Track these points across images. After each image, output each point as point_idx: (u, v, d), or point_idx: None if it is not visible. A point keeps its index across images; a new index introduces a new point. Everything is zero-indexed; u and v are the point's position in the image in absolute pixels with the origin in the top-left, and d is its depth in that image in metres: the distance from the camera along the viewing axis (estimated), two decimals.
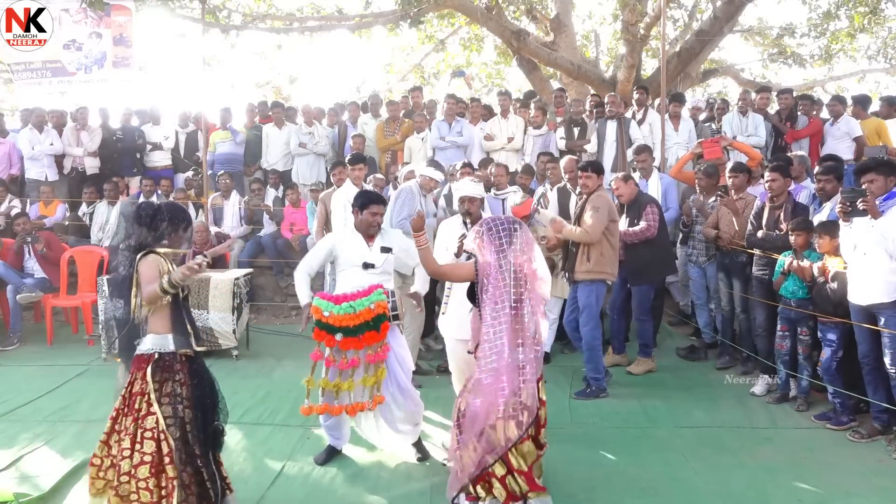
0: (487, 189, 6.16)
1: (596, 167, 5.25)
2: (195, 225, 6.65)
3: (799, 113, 7.84)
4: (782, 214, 5.08)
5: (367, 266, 3.97)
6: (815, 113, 7.96)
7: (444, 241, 4.53)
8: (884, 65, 13.90)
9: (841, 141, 7.41)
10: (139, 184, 8.30)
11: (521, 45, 10.58)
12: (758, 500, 3.64)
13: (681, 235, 6.23)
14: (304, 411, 3.76)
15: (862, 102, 8.00)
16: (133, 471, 2.97)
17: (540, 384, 3.55)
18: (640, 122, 7.92)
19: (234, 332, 6.13)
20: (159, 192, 8.11)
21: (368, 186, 6.32)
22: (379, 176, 6.93)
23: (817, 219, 4.91)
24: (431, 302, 5.75)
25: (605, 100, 8.13)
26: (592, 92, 10.18)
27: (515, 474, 3.34)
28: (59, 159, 8.59)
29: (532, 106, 8.35)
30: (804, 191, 5.71)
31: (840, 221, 4.39)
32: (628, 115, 8.03)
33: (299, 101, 12.39)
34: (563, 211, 6.13)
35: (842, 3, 11.74)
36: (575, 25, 12.71)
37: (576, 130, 7.94)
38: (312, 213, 7.38)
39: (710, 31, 10.35)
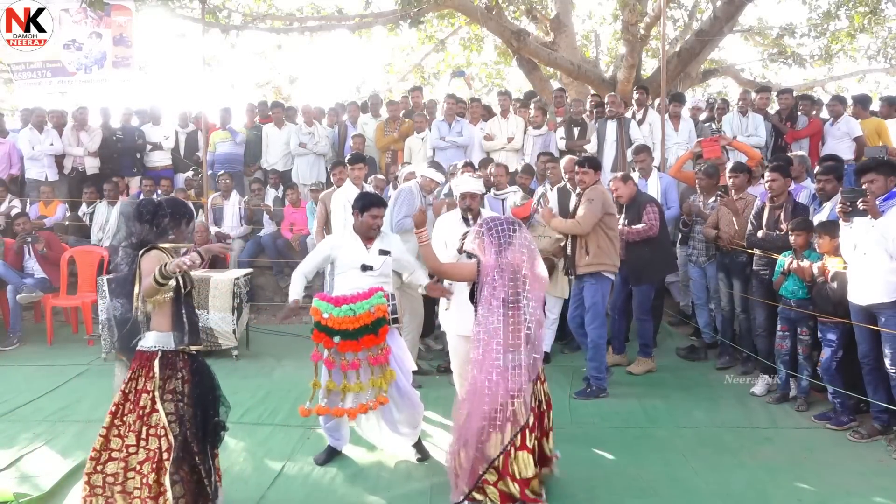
0: (487, 189, 6.16)
1: (593, 163, 5.25)
2: (195, 224, 6.66)
3: (799, 113, 7.84)
4: (782, 214, 5.08)
5: (365, 268, 3.97)
6: (815, 113, 7.95)
7: (441, 236, 4.53)
8: (884, 65, 13.90)
9: (841, 141, 7.40)
10: (139, 184, 8.30)
11: (521, 45, 10.58)
12: (758, 500, 3.64)
13: (680, 236, 6.23)
14: (303, 412, 3.77)
15: (862, 102, 7.99)
16: (139, 467, 3.02)
17: (544, 386, 3.55)
18: (640, 122, 7.92)
19: (234, 332, 6.14)
20: (159, 192, 8.10)
21: (369, 186, 6.33)
22: (380, 176, 6.93)
23: (817, 219, 4.91)
24: (431, 301, 5.74)
25: (605, 100, 8.13)
26: (592, 92, 10.18)
27: (508, 479, 3.34)
28: (59, 159, 8.59)
29: (532, 106, 8.34)
30: (804, 191, 5.71)
31: (840, 221, 4.39)
32: (628, 115, 8.02)
33: (299, 101, 12.40)
34: (564, 211, 6.12)
35: (842, 3, 11.74)
36: (575, 25, 12.71)
37: (576, 130, 7.94)
38: (312, 213, 7.38)
39: (710, 31, 10.35)
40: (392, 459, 4.14)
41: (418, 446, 4.14)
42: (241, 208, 8.21)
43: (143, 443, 3.04)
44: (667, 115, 7.72)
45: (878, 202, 4.12)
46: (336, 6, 11.43)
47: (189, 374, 3.15)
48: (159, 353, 3.10)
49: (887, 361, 4.13)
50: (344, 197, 5.87)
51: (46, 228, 7.62)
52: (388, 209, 5.22)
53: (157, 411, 3.05)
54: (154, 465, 3.01)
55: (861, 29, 11.87)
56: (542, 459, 3.53)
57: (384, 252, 4.06)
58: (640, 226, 5.50)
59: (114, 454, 3.08)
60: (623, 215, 5.63)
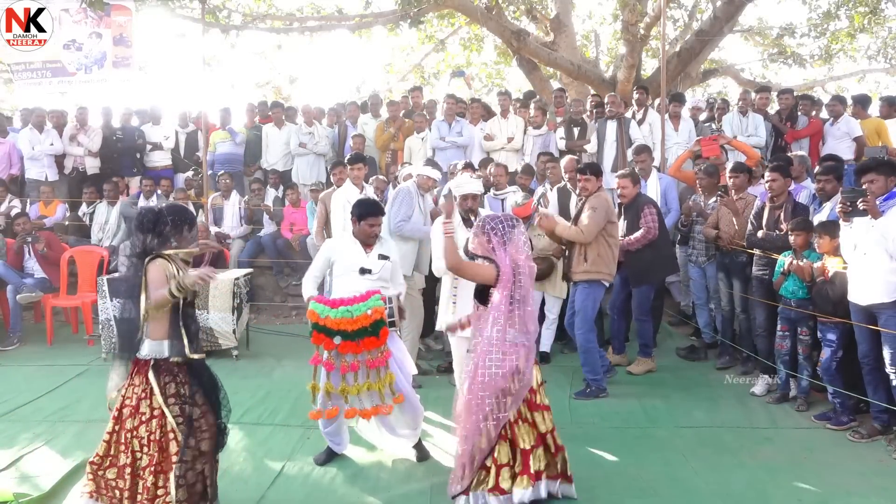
0: (487, 189, 6.17)
1: (594, 169, 5.25)
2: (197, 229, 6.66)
3: (799, 113, 7.84)
4: (782, 214, 5.08)
5: (363, 271, 3.97)
6: (815, 113, 7.96)
7: (442, 237, 4.53)
8: (884, 65, 13.90)
9: (841, 141, 7.40)
10: (139, 184, 8.29)
11: (521, 45, 10.58)
12: (758, 500, 3.64)
13: (679, 236, 6.23)
14: (314, 415, 3.81)
15: (862, 102, 8.00)
16: (142, 472, 3.05)
17: (541, 388, 3.56)
18: (640, 122, 7.92)
19: (234, 332, 6.13)
20: (159, 192, 8.11)
21: (369, 187, 6.32)
22: (381, 177, 6.93)
23: (817, 219, 4.91)
24: (431, 302, 5.75)
25: (605, 100, 8.13)
26: (592, 92, 10.18)
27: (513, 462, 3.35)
28: (59, 159, 8.60)
29: (532, 106, 8.35)
30: (804, 191, 5.71)
31: (840, 221, 4.39)
32: (628, 115, 8.02)
33: (299, 101, 12.40)
34: (564, 211, 6.13)
35: (842, 3, 11.74)
36: (575, 25, 12.71)
37: (576, 130, 7.94)
38: (312, 213, 7.38)
39: (710, 31, 10.35)
40: (392, 459, 4.14)
41: (418, 446, 4.14)
42: (241, 208, 8.21)
43: (145, 448, 3.07)
44: (667, 115, 7.72)
45: (878, 202, 4.12)
46: (336, 6, 11.44)
47: (187, 377, 3.16)
48: (152, 362, 3.12)
49: (887, 361, 4.13)
50: (344, 197, 5.87)
51: (46, 228, 7.62)
52: (386, 209, 5.22)
53: (156, 417, 3.07)
54: (153, 470, 3.03)
55: (861, 29, 11.87)
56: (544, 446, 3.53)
57: (384, 257, 4.06)
58: (638, 233, 5.48)
59: (116, 459, 3.09)
60: (622, 217, 5.63)
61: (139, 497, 3.04)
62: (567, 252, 5.34)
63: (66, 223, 8.10)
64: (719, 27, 10.36)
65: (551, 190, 6.51)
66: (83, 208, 8.19)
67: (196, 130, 8.97)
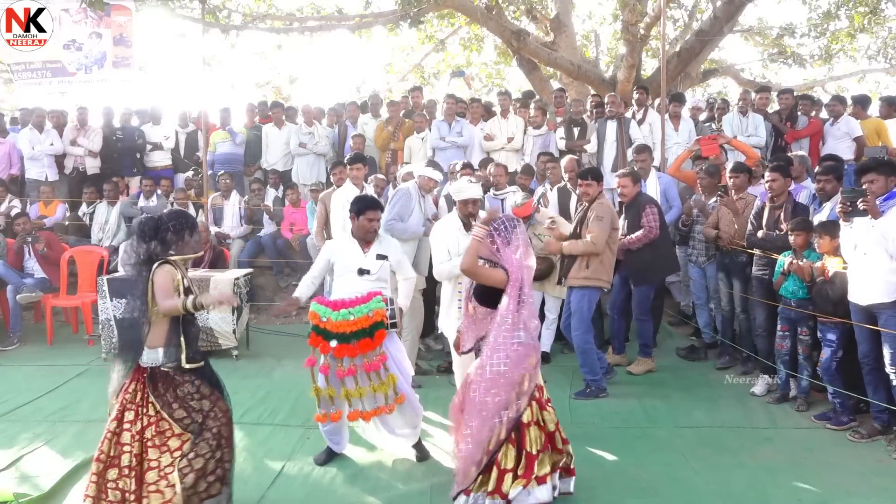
0: (487, 189, 6.17)
1: (595, 174, 5.25)
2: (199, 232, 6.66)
3: (799, 113, 7.84)
4: (782, 214, 5.08)
5: (362, 272, 3.97)
6: (814, 113, 7.96)
7: (443, 242, 4.53)
8: (884, 65, 13.89)
9: (841, 141, 7.40)
10: (139, 184, 8.30)
11: (521, 45, 10.58)
12: (758, 500, 3.64)
13: (678, 236, 6.22)
14: (319, 419, 3.84)
15: (862, 102, 8.00)
16: (145, 472, 3.08)
17: (542, 390, 3.56)
18: (640, 122, 7.92)
19: (234, 332, 6.13)
20: (159, 192, 8.12)
21: (369, 186, 6.32)
22: (380, 176, 6.93)
23: (817, 219, 4.90)
24: (431, 302, 5.75)
25: (605, 100, 8.12)
26: (592, 92, 10.18)
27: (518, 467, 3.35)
28: (59, 159, 8.60)
29: (532, 106, 8.35)
30: (804, 191, 5.71)
31: (840, 221, 4.39)
32: (628, 115, 8.02)
33: (299, 101, 12.40)
34: (564, 211, 6.13)
35: (842, 3, 11.73)
36: (575, 25, 12.71)
37: (576, 130, 7.93)
38: (312, 213, 7.38)
39: (710, 31, 10.35)
40: (392, 459, 4.14)
41: (418, 446, 4.14)
42: (241, 208, 8.21)
43: (145, 454, 3.10)
44: (667, 115, 7.72)
45: (878, 202, 4.12)
46: (336, 6, 11.44)
47: (188, 376, 3.19)
48: (148, 372, 3.15)
49: (887, 361, 4.13)
50: (344, 197, 5.87)
51: (46, 228, 7.62)
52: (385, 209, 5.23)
53: (153, 424, 3.11)
54: (162, 473, 3.07)
55: (861, 29, 11.87)
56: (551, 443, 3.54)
57: (381, 257, 4.07)
58: (638, 233, 5.48)
59: (118, 460, 3.11)
60: (622, 216, 5.63)
61: (144, 494, 3.06)
62: (568, 258, 5.30)
63: (66, 223, 8.10)
64: (719, 27, 10.35)
65: (551, 190, 6.50)
66: (83, 208, 8.19)
67: (196, 130, 8.97)
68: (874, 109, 8.28)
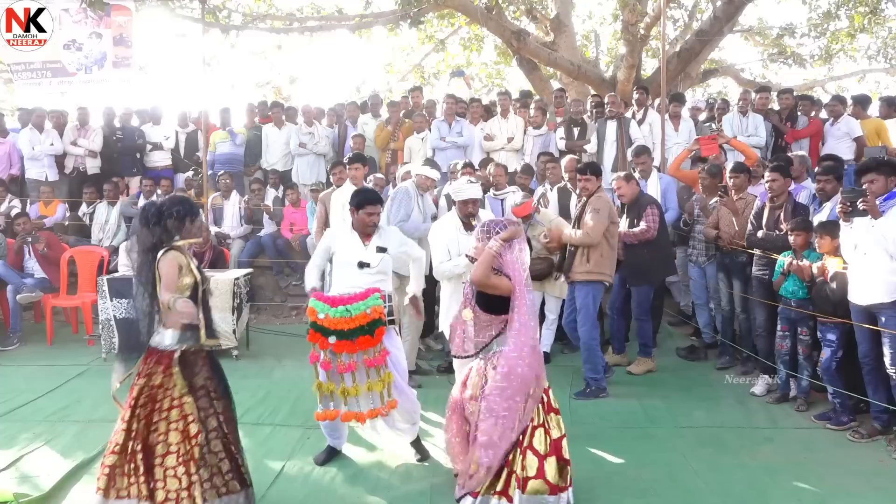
0: (487, 189, 6.17)
1: (594, 169, 5.25)
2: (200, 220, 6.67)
3: (799, 113, 7.84)
4: (782, 214, 5.08)
5: (362, 265, 3.96)
6: (814, 113, 7.96)
7: (443, 241, 4.53)
8: (884, 65, 13.90)
9: (841, 141, 7.41)
10: (139, 184, 8.31)
11: (521, 45, 10.58)
12: (758, 500, 3.64)
13: (678, 237, 6.22)
14: (319, 416, 3.82)
15: (862, 102, 8.00)
16: (161, 460, 3.09)
17: (549, 392, 3.55)
18: (640, 122, 7.92)
19: (234, 332, 6.13)
20: (159, 192, 8.11)
21: (369, 186, 6.32)
22: (379, 176, 6.93)
23: (817, 219, 4.91)
24: (431, 302, 5.75)
25: (605, 100, 8.13)
26: (592, 92, 10.19)
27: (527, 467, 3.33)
28: (59, 159, 8.60)
29: (532, 106, 8.35)
30: (804, 191, 5.71)
31: (840, 221, 4.39)
32: (628, 115, 8.02)
33: (299, 101, 12.40)
34: (564, 211, 6.14)
35: (842, 3, 11.74)
36: (575, 25, 12.72)
37: (576, 130, 7.94)
38: (312, 213, 7.38)
39: (710, 31, 10.35)
40: (392, 459, 4.14)
41: (417, 446, 4.13)
42: (241, 208, 8.21)
43: (162, 437, 3.11)
44: (667, 115, 7.72)
45: (878, 202, 4.12)
46: (336, 6, 11.45)
47: (211, 371, 3.24)
48: (179, 352, 3.16)
49: (887, 361, 4.13)
50: (343, 197, 5.86)
51: (46, 228, 7.62)
52: (385, 209, 5.22)
53: (176, 407, 3.12)
54: (180, 459, 3.08)
55: (861, 29, 11.87)
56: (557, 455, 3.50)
57: (382, 249, 4.04)
58: (637, 228, 5.49)
59: (132, 450, 3.11)
60: (624, 216, 5.63)
61: (161, 486, 3.06)
62: (570, 253, 5.31)
63: (66, 223, 8.10)
64: (719, 27, 10.36)
65: (551, 190, 6.51)
66: (83, 208, 8.19)
67: (196, 130, 8.97)
68: (874, 109, 8.29)
